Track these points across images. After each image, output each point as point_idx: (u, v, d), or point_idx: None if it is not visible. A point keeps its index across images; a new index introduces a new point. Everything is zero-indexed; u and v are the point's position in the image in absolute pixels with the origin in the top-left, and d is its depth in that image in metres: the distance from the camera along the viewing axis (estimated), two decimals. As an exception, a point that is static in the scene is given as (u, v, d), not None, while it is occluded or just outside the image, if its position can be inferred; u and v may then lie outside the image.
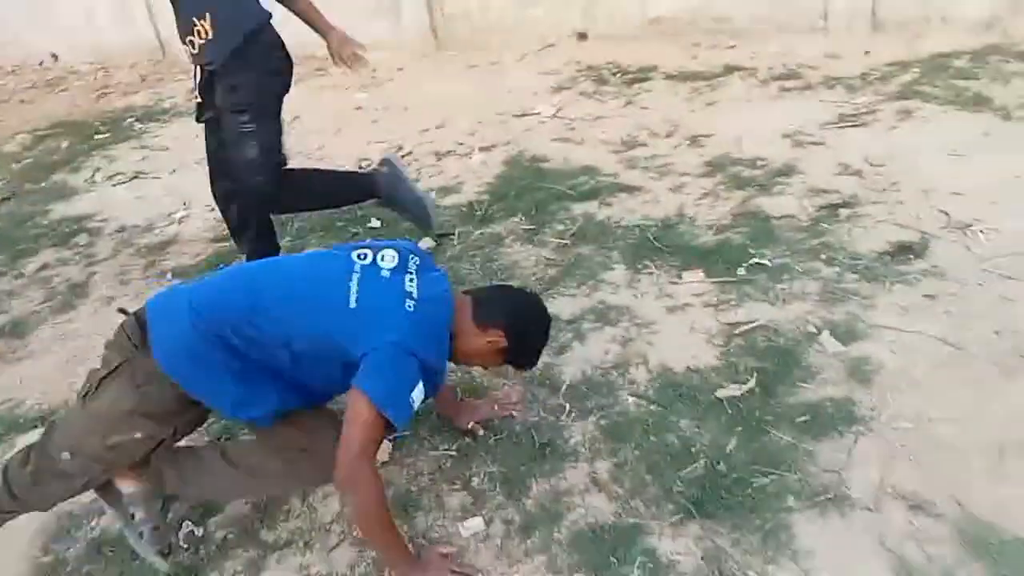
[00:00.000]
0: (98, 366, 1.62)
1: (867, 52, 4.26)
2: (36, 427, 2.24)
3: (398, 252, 1.65)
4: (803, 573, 1.49)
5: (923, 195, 2.72)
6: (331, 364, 1.53)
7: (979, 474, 1.63)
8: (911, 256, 2.38)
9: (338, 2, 6.07)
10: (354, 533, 1.70)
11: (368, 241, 1.80)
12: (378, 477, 1.52)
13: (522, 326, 1.69)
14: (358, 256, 1.63)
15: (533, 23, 5.41)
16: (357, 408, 1.47)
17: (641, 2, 5.02)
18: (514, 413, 1.97)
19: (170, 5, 2.50)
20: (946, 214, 2.58)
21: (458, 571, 1.56)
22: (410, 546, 1.62)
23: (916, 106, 3.46)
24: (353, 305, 1.53)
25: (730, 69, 4.37)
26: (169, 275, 3.06)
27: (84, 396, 1.60)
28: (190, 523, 1.79)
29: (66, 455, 1.57)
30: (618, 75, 4.61)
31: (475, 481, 1.82)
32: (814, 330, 2.12)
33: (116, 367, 1.58)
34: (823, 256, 2.46)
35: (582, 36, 5.32)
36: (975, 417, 1.77)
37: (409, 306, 1.55)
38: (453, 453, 1.90)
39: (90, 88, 6.61)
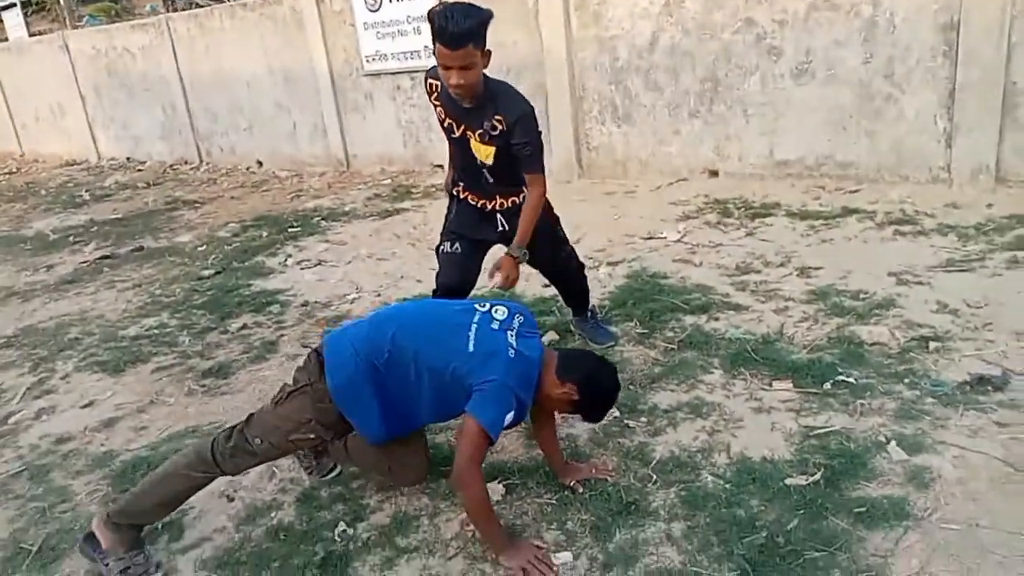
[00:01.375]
0: (289, 382, 2.21)
1: (990, 205, 4.46)
2: (234, 443, 2.87)
3: (508, 310, 2.19)
4: (837, 629, 1.75)
5: (1014, 336, 2.91)
6: (448, 391, 2.06)
7: (1014, 575, 1.82)
8: (990, 388, 2.59)
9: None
10: (466, 526, 2.15)
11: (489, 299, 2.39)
12: (482, 478, 2.02)
13: (593, 386, 2.15)
14: (478, 305, 2.19)
15: (668, 159, 6.01)
16: (469, 427, 1.99)
17: (770, 144, 5.50)
18: (608, 477, 2.36)
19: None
20: (1033, 354, 2.76)
21: (539, 559, 2.00)
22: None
23: (1026, 257, 3.64)
24: (471, 349, 2.06)
25: (849, 211, 4.70)
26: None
27: (276, 402, 2.20)
28: (344, 524, 2.29)
29: (257, 440, 2.16)
30: (742, 209, 5.05)
31: (569, 524, 2.20)
32: (884, 440, 2.38)
33: (302, 386, 2.16)
34: (906, 380, 2.71)
35: (713, 173, 5.84)
36: (1022, 528, 1.96)
37: (511, 354, 2.05)
38: (553, 501, 2.30)
39: (286, 190, 7.86)
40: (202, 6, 11.90)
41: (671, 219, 5.08)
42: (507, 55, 6.57)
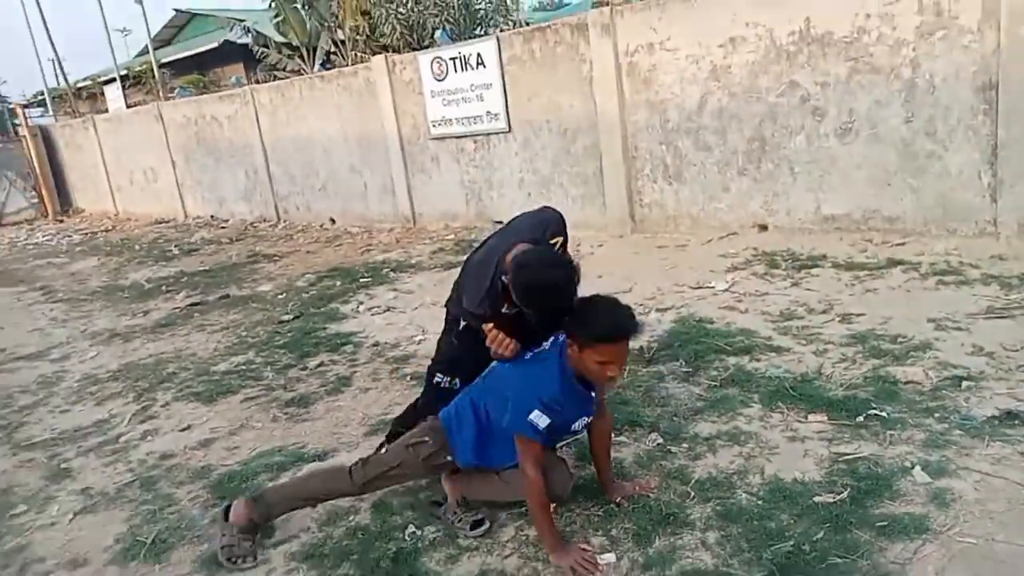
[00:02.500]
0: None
1: (1036, 257, 4.57)
2: (315, 461, 3.21)
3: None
4: (854, 622, 1.93)
5: (1046, 377, 3.05)
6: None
7: (1024, 581, 1.98)
8: (1017, 422, 2.74)
9: (555, 190, 7.46)
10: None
11: None
12: (539, 479, 2.29)
13: (596, 326, 2.24)
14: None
15: (718, 214, 6.28)
16: (518, 441, 2.35)
17: (817, 200, 5.72)
18: (650, 494, 2.60)
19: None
20: (1063, 393, 2.89)
21: (586, 559, 2.25)
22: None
23: (1066, 305, 3.75)
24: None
25: (894, 263, 4.87)
26: (408, 377, 4.08)
27: (408, 446, 2.59)
28: (413, 527, 2.58)
29: (394, 468, 2.56)
30: (789, 261, 5.27)
31: (613, 531, 2.44)
32: (909, 465, 2.55)
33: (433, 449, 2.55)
34: (936, 415, 2.88)
35: (762, 227, 6.07)
36: (1036, 543, 2.12)
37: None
38: (600, 513, 2.55)
39: (357, 245, 8.41)
40: (281, 78, 12.92)
41: (720, 270, 5.32)
42: (563, 118, 7.03)
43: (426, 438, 2.58)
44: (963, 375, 3.17)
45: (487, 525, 2.52)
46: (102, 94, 20.22)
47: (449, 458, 2.56)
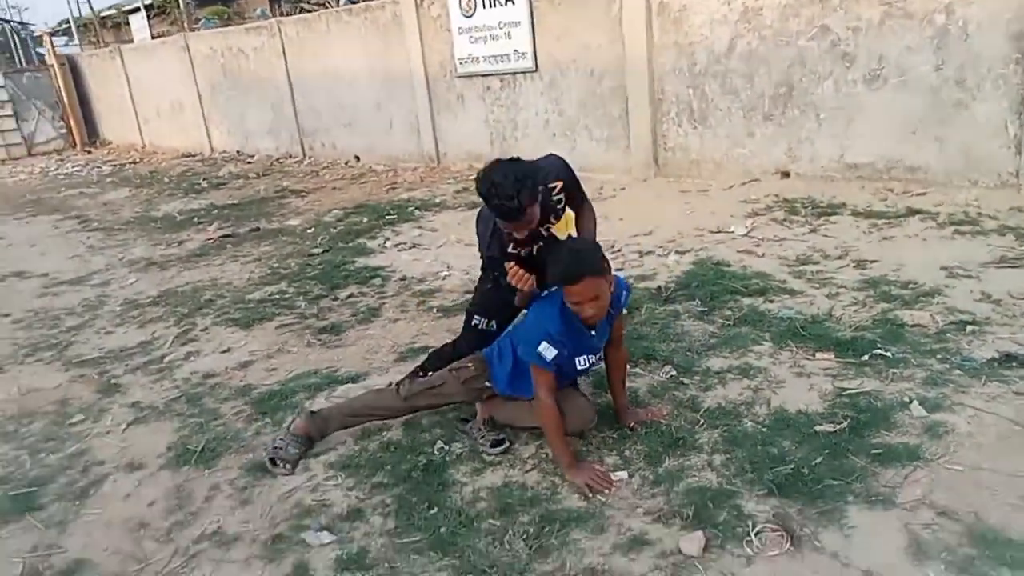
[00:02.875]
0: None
1: (1057, 208, 4.61)
2: (348, 383, 3.44)
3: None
4: (843, 535, 2.12)
5: (1048, 323, 3.17)
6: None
7: (1003, 505, 2.15)
8: (1016, 364, 2.87)
9: (580, 132, 7.50)
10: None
11: None
12: (552, 402, 2.51)
13: (558, 265, 2.44)
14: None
15: (742, 159, 6.33)
16: (532, 370, 2.58)
17: (841, 148, 5.75)
18: (662, 420, 2.79)
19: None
20: (1063, 339, 3.02)
21: (599, 476, 2.46)
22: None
23: (1078, 256, 3.83)
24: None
25: (913, 212, 4.93)
26: (435, 310, 4.28)
27: (452, 370, 2.85)
28: (441, 442, 2.80)
29: (437, 386, 2.82)
30: (809, 208, 5.34)
31: (626, 452, 2.64)
32: (908, 400, 2.71)
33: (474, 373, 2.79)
34: (938, 356, 3.02)
35: (785, 174, 6.12)
36: (1019, 472, 2.28)
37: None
38: (614, 436, 2.75)
39: (382, 183, 8.54)
40: (308, 10, 12.84)
41: (740, 216, 5.41)
42: (591, 58, 7.03)
43: (469, 364, 2.84)
44: (968, 320, 3.30)
45: (507, 445, 2.73)
46: (127, 23, 20.14)
47: (487, 384, 2.80)
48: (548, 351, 2.50)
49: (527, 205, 2.47)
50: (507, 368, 2.75)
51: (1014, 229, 4.37)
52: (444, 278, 4.86)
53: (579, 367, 2.65)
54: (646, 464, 2.57)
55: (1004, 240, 4.24)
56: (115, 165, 13.34)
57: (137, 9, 18.29)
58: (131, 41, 17.70)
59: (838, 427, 2.60)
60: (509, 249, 2.72)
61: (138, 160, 13.65)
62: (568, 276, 2.42)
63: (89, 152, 15.93)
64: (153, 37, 16.50)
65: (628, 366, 3.00)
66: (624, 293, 2.72)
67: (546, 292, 2.67)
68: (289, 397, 3.35)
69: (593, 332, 2.60)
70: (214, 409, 3.36)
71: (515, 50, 7.60)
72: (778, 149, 6.09)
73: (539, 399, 2.55)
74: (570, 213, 2.92)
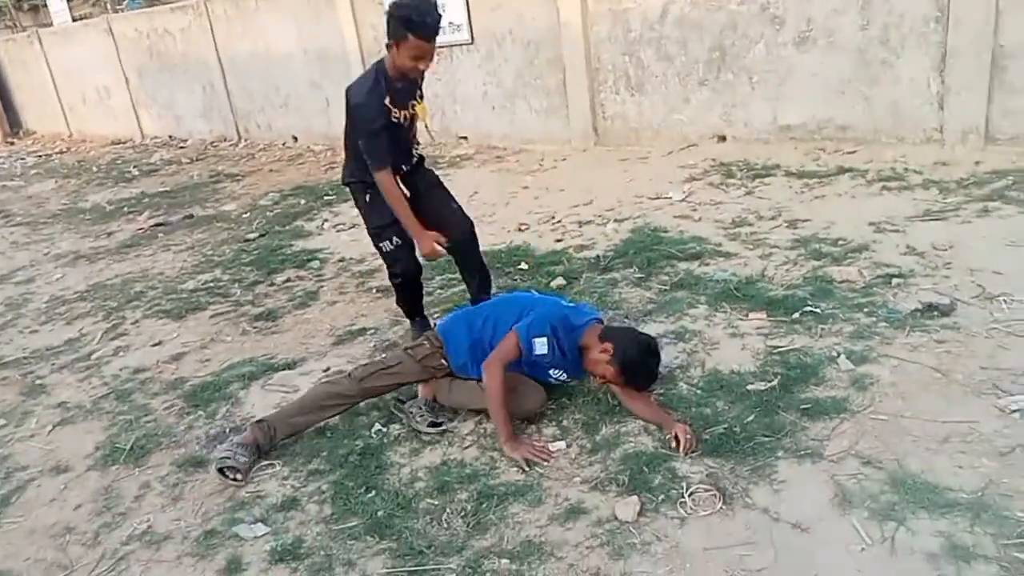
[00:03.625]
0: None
1: (978, 163, 4.75)
2: (285, 370, 3.36)
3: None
4: (772, 490, 2.17)
5: (968, 272, 3.27)
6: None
7: (923, 450, 2.22)
8: (937, 314, 2.96)
9: (519, 104, 7.43)
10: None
11: None
12: (501, 374, 2.50)
13: (626, 347, 2.53)
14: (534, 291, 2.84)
15: (679, 126, 6.35)
16: (507, 336, 2.58)
17: (774, 110, 5.81)
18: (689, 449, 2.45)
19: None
20: (981, 287, 3.12)
21: (537, 448, 2.46)
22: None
23: (996, 207, 3.95)
24: (539, 297, 2.75)
25: (844, 170, 5.03)
26: (374, 290, 4.21)
27: (407, 348, 2.83)
28: (379, 425, 2.76)
29: (392, 366, 2.76)
30: (745, 171, 5.40)
31: (564, 422, 2.65)
32: (835, 355, 2.77)
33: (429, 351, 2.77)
34: (865, 310, 3.09)
35: (721, 138, 6.17)
36: (938, 417, 2.35)
37: (562, 302, 2.74)
38: (552, 407, 2.75)
39: (321, 163, 8.35)
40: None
41: (678, 181, 5.44)
42: (526, 29, 6.94)
43: (424, 342, 2.81)
44: (894, 273, 3.38)
45: (444, 427, 2.70)
46: (45, 6, 19.17)
47: (443, 362, 2.76)
48: (540, 347, 2.55)
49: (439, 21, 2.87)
50: (464, 343, 2.73)
51: (937, 183, 4.49)
52: (383, 258, 4.78)
53: (553, 376, 2.68)
54: (584, 432, 2.58)
55: (928, 194, 4.36)
56: (40, 156, 12.77)
57: (55, -10, 17.44)
58: (50, 24, 16.89)
59: (769, 385, 2.65)
60: (392, 114, 3.03)
61: (65, 150, 13.09)
62: (641, 372, 2.61)
63: (11, 143, 15.19)
64: (74, 20, 15.76)
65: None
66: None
67: (573, 304, 2.86)
68: (223, 388, 3.26)
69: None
70: (144, 405, 3.25)
71: (450, 22, 7.45)
72: (714, 114, 6.13)
73: (491, 362, 2.54)
74: (426, 107, 3.28)
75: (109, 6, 16.75)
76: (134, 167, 9.94)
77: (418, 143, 3.38)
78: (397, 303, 3.59)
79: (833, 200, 4.55)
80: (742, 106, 5.96)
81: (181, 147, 11.14)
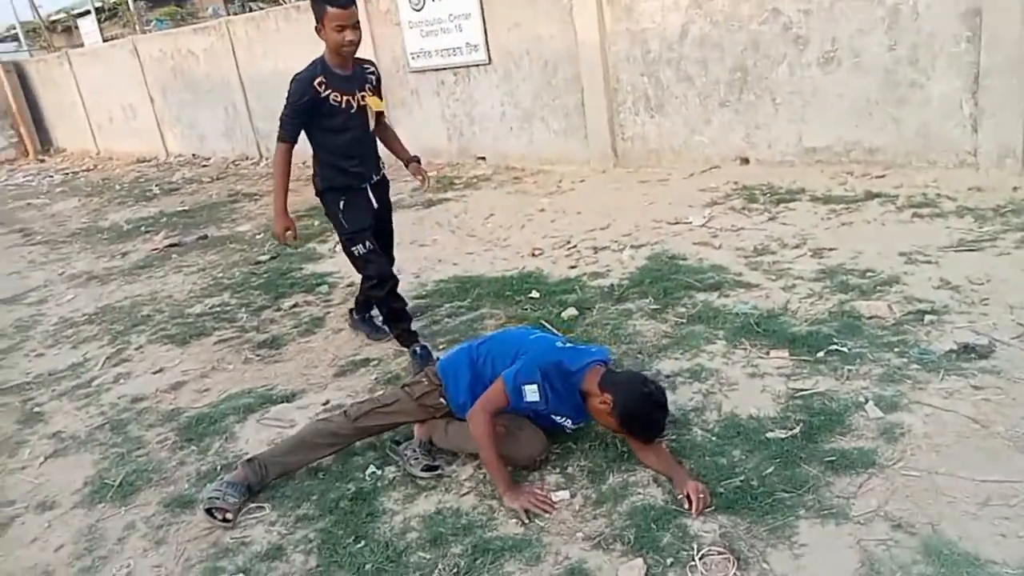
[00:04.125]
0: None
1: (1016, 188, 4.52)
2: (283, 403, 3.24)
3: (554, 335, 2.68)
4: (792, 554, 1.98)
5: (1007, 309, 3.05)
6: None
7: (960, 514, 2.02)
8: (974, 356, 2.75)
9: (536, 124, 7.33)
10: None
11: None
12: (489, 422, 2.35)
13: (627, 397, 2.32)
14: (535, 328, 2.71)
15: (700, 147, 6.19)
16: (495, 383, 2.38)
17: (799, 132, 5.62)
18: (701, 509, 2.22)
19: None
20: (1022, 325, 2.90)
21: (538, 499, 2.28)
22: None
23: (1036, 237, 3.73)
24: (532, 337, 2.56)
25: (872, 195, 4.82)
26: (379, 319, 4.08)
27: (404, 386, 2.69)
28: (374, 467, 2.62)
29: (388, 404, 2.62)
30: (768, 195, 5.21)
31: (569, 469, 2.48)
32: (863, 400, 2.58)
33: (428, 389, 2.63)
34: (896, 349, 2.90)
35: (744, 161, 5.99)
36: (977, 475, 2.15)
37: (557, 344, 2.54)
38: (557, 451, 2.58)
39: (338, 182, 8.26)
40: (256, 8, 12.51)
41: (698, 205, 5.27)
42: (543, 49, 6.84)
43: (422, 379, 2.67)
44: (927, 309, 3.18)
45: (440, 471, 2.54)
46: (77, 27, 19.59)
47: (443, 400, 2.61)
48: (531, 395, 2.38)
49: None
50: (465, 381, 2.57)
51: (972, 210, 4.27)
52: (393, 283, 4.66)
53: (556, 422, 2.51)
54: (589, 481, 2.41)
55: (962, 222, 4.14)
56: (68, 174, 12.94)
57: (87, 12, 17.80)
58: (82, 45, 17.22)
59: (790, 432, 2.46)
60: (330, 97, 3.17)
61: (92, 167, 13.25)
62: (644, 428, 2.42)
63: (42, 161, 15.45)
64: (104, 40, 16.05)
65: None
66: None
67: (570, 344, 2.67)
68: (219, 421, 3.15)
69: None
70: (138, 437, 3.15)
71: (467, 43, 7.40)
72: (736, 135, 5.96)
73: (476, 411, 2.39)
74: (380, 102, 3.34)
75: (138, 27, 17.06)
76: (156, 186, 9.99)
77: (383, 164, 3.53)
78: (385, 322, 3.60)
79: (861, 227, 4.35)
80: (765, 128, 5.79)
81: (204, 166, 11.20)
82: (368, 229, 3.38)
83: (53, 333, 4.71)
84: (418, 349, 3.37)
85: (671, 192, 5.75)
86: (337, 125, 3.24)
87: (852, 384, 2.71)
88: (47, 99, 16.05)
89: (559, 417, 2.48)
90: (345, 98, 3.22)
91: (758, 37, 5.55)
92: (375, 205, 3.47)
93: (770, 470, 2.31)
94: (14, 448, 3.25)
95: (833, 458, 2.32)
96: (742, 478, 2.29)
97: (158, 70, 11.99)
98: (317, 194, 3.47)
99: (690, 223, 4.91)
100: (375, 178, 3.48)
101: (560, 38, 6.66)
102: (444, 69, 7.75)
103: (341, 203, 3.36)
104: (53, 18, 23.50)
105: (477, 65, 7.43)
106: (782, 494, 2.20)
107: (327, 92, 3.16)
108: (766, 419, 2.58)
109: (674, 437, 2.55)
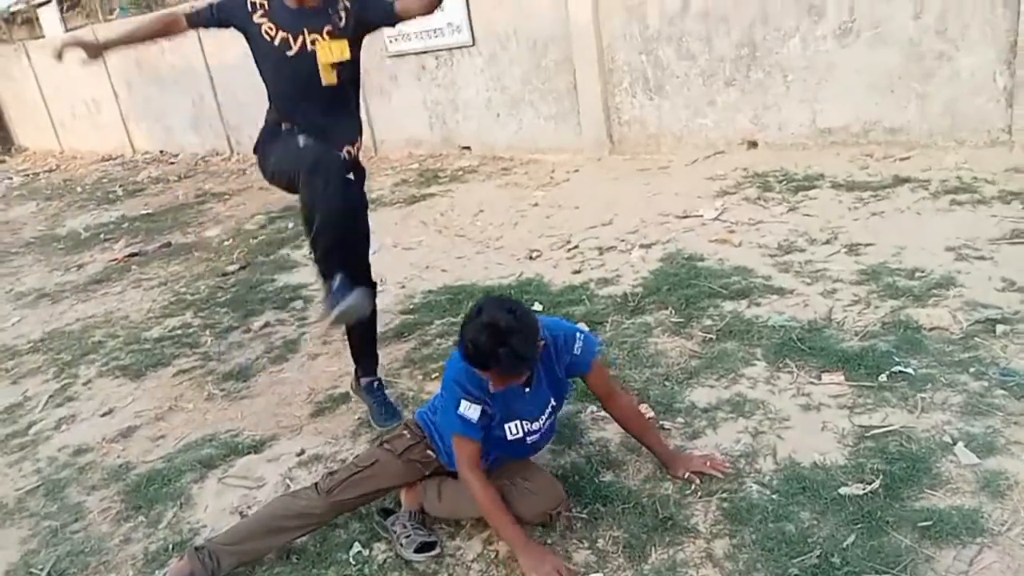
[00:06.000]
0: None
1: (1057, 167, 4.10)
2: (250, 453, 2.75)
3: None
4: (903, 668, 1.54)
5: (1094, 316, 2.63)
6: None
7: (1111, 602, 1.59)
8: (1070, 377, 2.32)
9: (525, 110, 6.82)
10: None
11: None
12: (481, 479, 1.96)
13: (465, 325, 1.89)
14: None
15: (704, 131, 5.71)
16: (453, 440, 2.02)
17: (812, 112, 5.17)
18: (720, 473, 2.16)
19: None
20: (1118, 337, 2.48)
21: (563, 570, 1.86)
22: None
23: (1102, 225, 3.31)
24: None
25: (900, 180, 4.38)
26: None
27: (383, 442, 2.24)
28: (359, 545, 2.15)
29: (366, 467, 2.15)
30: (784, 182, 4.75)
31: (600, 542, 2.02)
32: (949, 440, 2.14)
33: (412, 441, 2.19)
34: (971, 370, 2.46)
35: (752, 144, 5.53)
36: (1117, 545, 1.72)
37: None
38: (584, 516, 2.12)
39: (314, 178, 7.72)
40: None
41: (708, 195, 4.81)
42: (532, 27, 6.32)
43: (404, 432, 2.22)
44: (996, 317, 2.74)
45: (437, 551, 2.07)
46: (38, 19, 18.68)
47: (431, 454, 2.16)
48: (471, 410, 1.95)
49: None
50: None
51: (1018, 195, 3.84)
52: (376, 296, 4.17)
53: (510, 436, 2.04)
54: (627, 560, 1.95)
55: (1010, 209, 3.71)
56: (28, 175, 12.24)
57: (48, 1, 16.92)
58: (43, 37, 16.39)
59: (868, 488, 2.02)
60: (263, 28, 2.54)
61: (55, 168, 12.55)
62: (473, 359, 1.86)
63: (3, 161, 14.69)
64: (67, 31, 15.24)
65: (640, 408, 2.46)
66: (587, 347, 2.11)
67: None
68: (173, 481, 2.65)
69: (527, 389, 1.99)
70: (77, 505, 2.65)
71: (448, 23, 6.84)
72: (743, 117, 5.49)
73: (462, 475, 1.99)
74: (344, 44, 2.54)
75: (101, 16, 16.25)
76: (120, 186, 9.37)
77: (355, 144, 2.74)
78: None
79: (895, 217, 3.90)
80: (775, 108, 5.32)
81: (171, 163, 10.58)
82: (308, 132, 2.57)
83: (-7, 365, 4.17)
84: (335, 283, 2.59)
85: (675, 181, 5.28)
86: (268, 67, 2.58)
87: (930, 418, 2.26)
88: (6, 95, 15.26)
89: (514, 424, 2.04)
90: (282, 34, 2.51)
91: (768, 8, 5.06)
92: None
93: (851, 539, 1.87)
94: (-68, 519, 2.74)
95: (928, 522, 1.87)
96: (818, 552, 1.84)
97: (120, 61, 11.29)
98: (254, 151, 2.85)
99: (701, 216, 4.45)
100: (351, 151, 2.69)
101: (550, 15, 6.13)
102: (425, 53, 7.20)
103: (281, 141, 2.65)
104: (13, 9, 22.50)
105: (460, 47, 6.89)
106: (873, 575, 1.76)
107: (261, 20, 2.53)
108: (835, 468, 2.13)
109: (725, 495, 2.10)
